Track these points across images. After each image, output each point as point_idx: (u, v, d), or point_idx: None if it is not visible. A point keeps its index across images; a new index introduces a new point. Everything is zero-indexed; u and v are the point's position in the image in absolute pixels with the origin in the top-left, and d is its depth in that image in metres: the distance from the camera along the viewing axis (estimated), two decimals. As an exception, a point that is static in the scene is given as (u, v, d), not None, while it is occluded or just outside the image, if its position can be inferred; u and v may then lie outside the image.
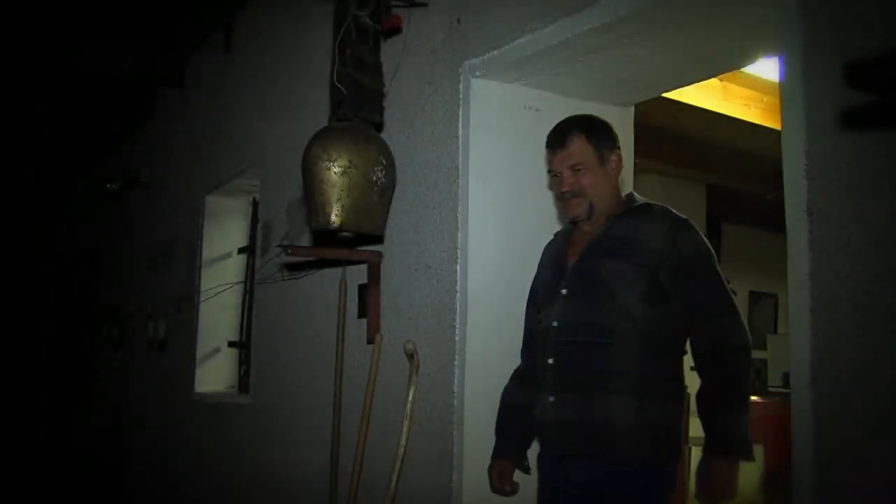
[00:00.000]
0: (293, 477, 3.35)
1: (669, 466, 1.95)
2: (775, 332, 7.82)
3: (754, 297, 7.83)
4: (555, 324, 2.02)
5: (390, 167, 2.65)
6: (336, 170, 2.52)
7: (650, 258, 1.93)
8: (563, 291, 2.03)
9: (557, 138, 2.09)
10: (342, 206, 2.54)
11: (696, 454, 5.10)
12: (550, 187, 2.40)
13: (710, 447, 1.85)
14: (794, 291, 1.62)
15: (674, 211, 2.04)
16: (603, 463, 1.92)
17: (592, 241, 2.04)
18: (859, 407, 1.51)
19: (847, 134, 1.56)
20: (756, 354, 7.67)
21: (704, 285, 1.92)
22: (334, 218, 2.54)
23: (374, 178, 2.56)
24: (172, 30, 4.63)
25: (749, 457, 1.82)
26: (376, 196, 2.59)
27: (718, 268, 1.96)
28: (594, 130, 2.07)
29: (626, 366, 1.91)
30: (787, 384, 5.26)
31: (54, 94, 5.47)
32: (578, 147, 2.05)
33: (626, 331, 1.92)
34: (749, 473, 5.37)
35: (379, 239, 2.84)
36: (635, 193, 2.16)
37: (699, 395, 1.90)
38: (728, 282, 1.97)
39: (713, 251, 1.98)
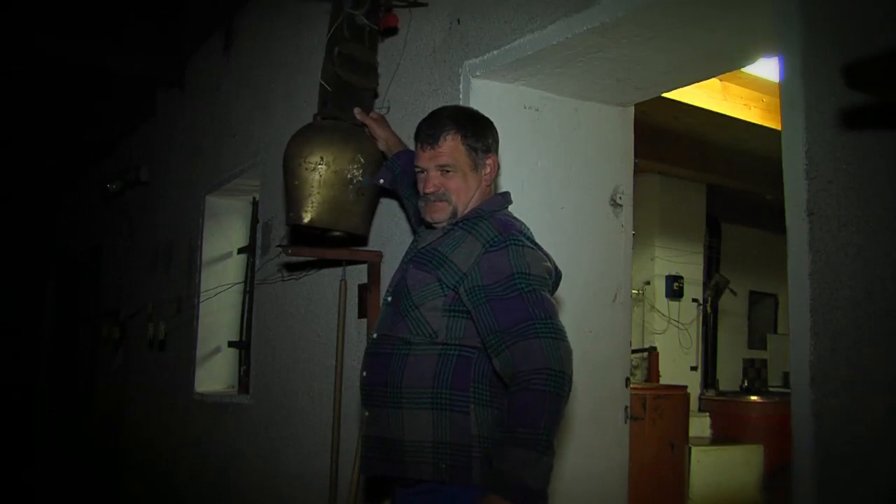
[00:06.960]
0: (293, 477, 3.35)
1: (473, 484, 1.70)
2: (775, 332, 7.82)
3: (754, 297, 7.83)
4: (375, 335, 1.90)
5: (369, 165, 2.56)
6: (307, 166, 2.49)
7: (452, 276, 1.76)
8: (388, 298, 1.90)
9: (429, 135, 1.87)
10: (312, 202, 2.49)
11: (696, 454, 5.11)
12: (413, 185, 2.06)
13: (488, 481, 1.62)
14: (794, 291, 1.62)
15: (498, 228, 1.79)
16: (406, 483, 1.79)
17: (419, 249, 1.89)
18: (859, 407, 1.51)
19: (847, 134, 1.56)
20: (756, 354, 7.66)
21: (499, 308, 1.68)
22: (304, 214, 2.50)
23: (350, 175, 2.51)
24: (172, 30, 4.64)
25: None
26: (353, 194, 2.54)
27: (530, 287, 1.69)
28: (471, 132, 1.87)
29: (420, 379, 1.75)
30: (787, 384, 5.25)
31: (55, 92, 5.47)
32: (451, 147, 1.85)
33: (424, 344, 1.77)
34: (749, 473, 5.38)
35: (363, 240, 2.82)
36: (494, 198, 1.95)
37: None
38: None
39: (532, 271, 1.72)
